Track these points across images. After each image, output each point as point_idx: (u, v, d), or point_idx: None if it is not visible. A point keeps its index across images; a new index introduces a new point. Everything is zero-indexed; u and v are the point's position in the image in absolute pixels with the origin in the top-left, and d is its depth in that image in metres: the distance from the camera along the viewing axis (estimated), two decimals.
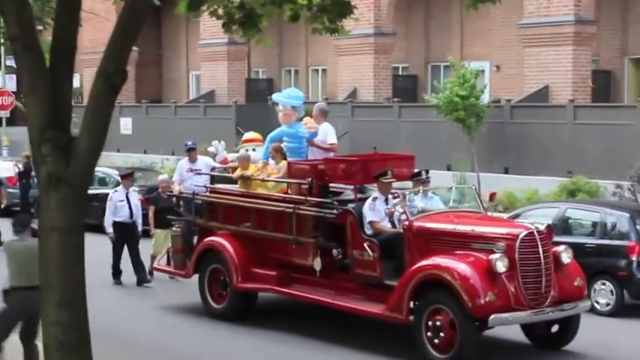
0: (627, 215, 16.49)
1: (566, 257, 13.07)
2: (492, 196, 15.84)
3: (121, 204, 18.50)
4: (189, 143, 19.31)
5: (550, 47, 28.07)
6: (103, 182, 26.33)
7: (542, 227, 12.91)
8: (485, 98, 27.59)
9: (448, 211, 13.86)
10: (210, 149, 17.83)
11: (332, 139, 15.73)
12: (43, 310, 8.42)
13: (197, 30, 39.98)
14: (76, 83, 41.94)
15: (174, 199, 18.11)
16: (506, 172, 26.67)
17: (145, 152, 37.24)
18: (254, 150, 16.14)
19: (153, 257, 18.43)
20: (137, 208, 18.66)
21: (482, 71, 29.34)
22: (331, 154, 15.50)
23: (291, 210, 14.27)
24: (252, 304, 15.46)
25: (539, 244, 12.53)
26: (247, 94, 39.35)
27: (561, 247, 13.09)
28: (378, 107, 31.77)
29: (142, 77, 44.17)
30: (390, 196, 13.81)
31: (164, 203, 18.47)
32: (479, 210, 14.20)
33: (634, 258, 15.89)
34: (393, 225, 13.72)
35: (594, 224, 16.51)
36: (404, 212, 13.27)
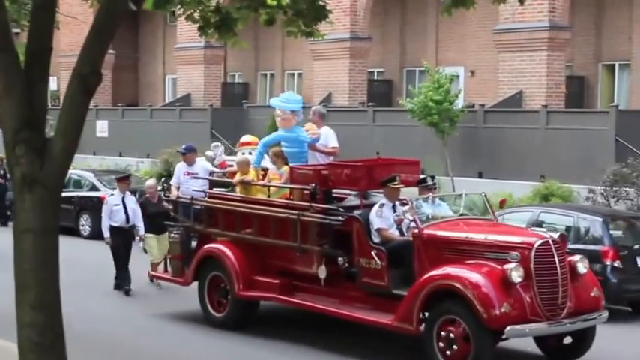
0: (600, 220, 16.64)
1: (582, 267, 12.72)
2: (502, 203, 15.46)
3: (117, 208, 18.11)
4: (183, 147, 18.66)
5: (524, 53, 28.24)
6: (78, 185, 26.32)
7: (555, 236, 12.63)
8: (460, 103, 27.71)
9: (458, 219, 13.55)
10: (209, 153, 17.63)
11: (333, 142, 15.50)
12: (17, 311, 8.42)
13: (174, 34, 40.01)
14: (53, 86, 41.96)
15: (167, 203, 17.58)
16: (479, 176, 26.79)
17: (121, 155, 37.17)
18: (250, 154, 15.79)
19: (153, 264, 18.04)
20: (134, 212, 18.24)
21: (457, 76, 29.50)
22: (331, 159, 15.29)
23: (295, 216, 13.94)
24: (253, 312, 15.20)
25: (554, 253, 12.23)
26: (223, 98, 39.38)
27: (577, 257, 12.78)
28: (352, 111, 31.83)
29: (118, 80, 44.13)
30: (397, 203, 13.51)
31: (154, 208, 18.24)
32: (489, 217, 13.94)
33: (607, 262, 16.05)
34: (401, 232, 13.44)
35: (568, 229, 16.61)
36: (413, 220, 12.93)
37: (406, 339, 13.24)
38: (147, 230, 18.24)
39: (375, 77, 36.53)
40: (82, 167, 30.55)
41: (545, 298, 12.06)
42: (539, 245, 12.16)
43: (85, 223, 25.87)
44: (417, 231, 12.88)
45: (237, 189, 15.54)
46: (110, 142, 38.21)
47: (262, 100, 39.95)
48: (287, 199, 14.75)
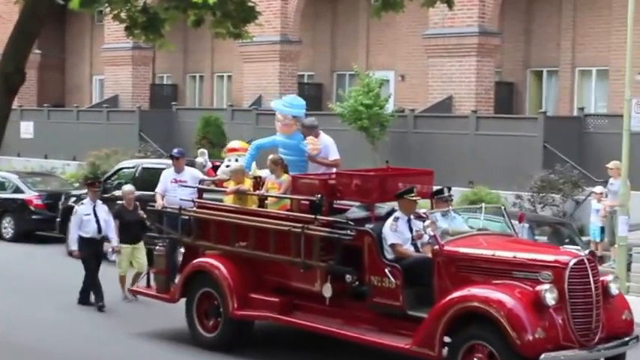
0: (527, 226, 16.71)
1: (615, 288, 11.80)
2: (522, 217, 14.21)
3: (88, 218, 16.61)
4: (176, 151, 17.50)
5: (454, 58, 28.36)
6: (1, 187, 25.88)
7: (583, 254, 11.68)
8: (390, 108, 27.75)
9: (477, 234, 12.56)
10: (199, 160, 16.73)
11: (334, 154, 14.49)
12: None
13: (101, 34, 39.53)
14: None
15: (143, 212, 16.63)
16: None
17: (46, 157, 36.59)
18: (236, 160, 14.81)
19: (122, 278, 16.94)
20: (106, 222, 16.74)
21: (387, 81, 29.50)
22: (333, 170, 14.30)
23: (299, 230, 12.84)
24: (247, 332, 14.04)
25: (589, 273, 11.25)
26: (152, 100, 39.00)
27: (610, 277, 11.88)
28: None
29: (44, 81, 43.50)
30: (413, 217, 12.67)
31: (130, 216, 16.97)
32: (509, 232, 12.93)
33: None
34: (416, 248, 12.54)
35: None
36: (434, 235, 11.94)
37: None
38: (122, 240, 16.90)
39: (306, 81, 36.44)
40: (6, 169, 30.06)
41: (578, 322, 11.15)
42: (574, 264, 11.19)
43: (7, 226, 25.37)
44: (437, 247, 11.89)
45: (226, 199, 14.49)
46: (35, 143, 37.61)
47: (192, 102, 39.69)
48: (288, 210, 13.71)
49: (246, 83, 34.78)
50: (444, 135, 26.55)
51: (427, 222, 12.07)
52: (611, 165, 20.37)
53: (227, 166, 14.81)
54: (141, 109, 35.81)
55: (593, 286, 11.24)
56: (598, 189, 21.10)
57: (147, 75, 39.43)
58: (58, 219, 22.92)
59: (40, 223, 24.53)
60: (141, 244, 16.89)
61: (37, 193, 25.03)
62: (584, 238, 20.56)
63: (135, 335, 14.74)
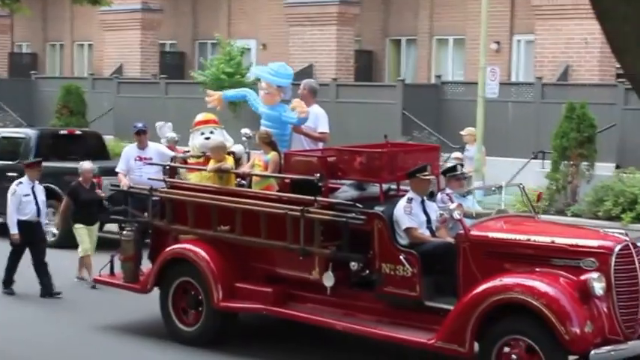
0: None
1: None
2: (540, 196, 13.20)
3: (27, 199, 14.94)
4: (140, 125, 15.86)
5: (315, 27, 28.67)
6: None
7: (628, 238, 10.49)
8: (252, 76, 27.90)
9: (499, 216, 11.42)
10: (170, 134, 15.63)
11: (323, 126, 13.10)
12: None
13: None
14: None
15: (99, 190, 15.39)
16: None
17: None
18: (212, 133, 13.14)
19: (84, 260, 15.45)
20: (44, 204, 15.15)
21: (249, 49, 29.67)
22: (321, 145, 13.04)
23: (298, 213, 11.42)
24: (232, 325, 12.56)
25: (635, 259, 10.12)
26: (10, 69, 38.34)
27: None
28: (144, 83, 31.59)
29: None
30: (440, 197, 11.55)
31: (87, 195, 15.53)
32: (529, 213, 12.00)
33: None
34: (431, 232, 11.29)
35: None
36: (460, 219, 10.67)
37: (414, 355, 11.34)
38: (77, 220, 15.58)
39: (167, 49, 36.30)
40: None
41: (624, 312, 10.04)
42: (620, 250, 10.05)
43: None
44: (462, 232, 10.69)
45: (193, 177, 13.05)
46: None
47: (52, 71, 39.12)
48: (278, 191, 12.32)
49: (107, 52, 34.51)
50: None
51: (454, 204, 10.78)
52: (464, 132, 20.71)
53: (207, 139, 13.14)
54: None
55: (639, 273, 10.13)
56: (457, 154, 21.46)
57: (5, 43, 38.77)
58: None
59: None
60: (96, 226, 15.74)
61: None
62: None
63: (101, 330, 13.07)
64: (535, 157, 22.79)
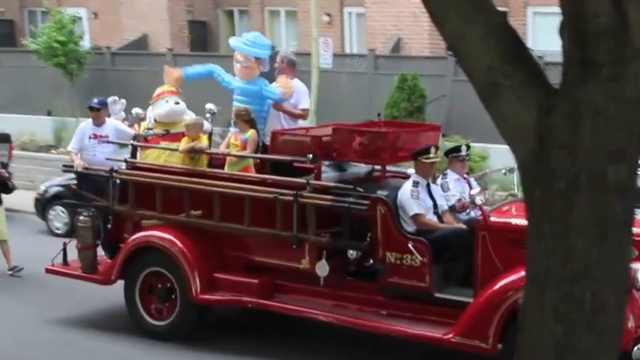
0: None
1: None
2: None
3: None
4: (96, 101, 14.43)
5: None
6: None
7: None
8: (86, 45, 27.85)
9: (513, 201, 10.67)
10: (136, 110, 13.86)
11: (305, 102, 12.40)
12: None
13: None
14: None
15: (2, 170, 14.44)
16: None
17: None
18: (177, 103, 12.30)
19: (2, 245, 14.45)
20: None
21: (80, 18, 29.54)
22: (300, 122, 12.37)
23: (291, 198, 10.59)
24: (205, 317, 11.80)
25: None
26: None
27: None
28: None
29: None
30: (452, 178, 10.98)
31: None
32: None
33: None
34: (439, 218, 10.63)
35: None
36: (480, 205, 10.00)
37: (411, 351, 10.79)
38: None
39: None
40: None
41: None
42: None
43: None
44: (480, 219, 9.99)
45: (145, 155, 12.19)
46: None
47: None
48: (258, 172, 11.53)
49: None
50: (143, 72, 26.95)
51: (476, 190, 10.19)
52: None
53: (177, 103, 12.38)
54: None
55: None
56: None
57: None
58: None
59: None
60: (2, 209, 14.69)
61: None
62: None
63: (57, 323, 12.35)
64: None
